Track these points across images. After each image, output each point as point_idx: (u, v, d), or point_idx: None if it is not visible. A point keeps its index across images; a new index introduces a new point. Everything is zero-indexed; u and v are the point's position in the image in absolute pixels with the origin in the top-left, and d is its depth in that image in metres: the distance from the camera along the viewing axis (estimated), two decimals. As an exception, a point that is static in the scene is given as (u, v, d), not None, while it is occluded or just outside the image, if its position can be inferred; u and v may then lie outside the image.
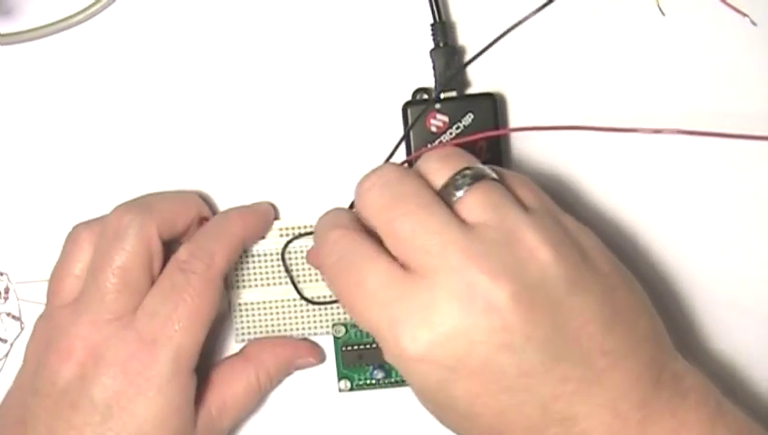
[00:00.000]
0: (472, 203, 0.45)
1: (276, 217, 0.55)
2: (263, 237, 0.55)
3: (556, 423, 0.44)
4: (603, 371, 0.44)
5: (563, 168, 0.55)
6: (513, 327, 0.43)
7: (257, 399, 0.55)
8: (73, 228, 0.53)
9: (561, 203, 0.48)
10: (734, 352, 0.55)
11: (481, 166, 0.47)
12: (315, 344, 0.56)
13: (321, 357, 0.56)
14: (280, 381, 0.56)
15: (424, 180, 0.47)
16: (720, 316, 0.55)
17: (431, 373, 0.44)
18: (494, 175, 0.47)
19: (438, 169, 0.47)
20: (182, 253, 0.51)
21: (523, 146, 0.55)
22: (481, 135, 0.51)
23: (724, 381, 0.51)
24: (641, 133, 0.49)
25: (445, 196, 0.46)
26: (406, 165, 0.51)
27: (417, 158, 0.51)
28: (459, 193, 0.46)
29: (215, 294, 0.51)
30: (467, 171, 0.46)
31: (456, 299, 0.43)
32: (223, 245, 0.52)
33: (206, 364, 0.54)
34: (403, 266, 0.45)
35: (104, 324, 0.50)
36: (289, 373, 0.56)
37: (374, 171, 0.47)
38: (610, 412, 0.44)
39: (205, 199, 0.55)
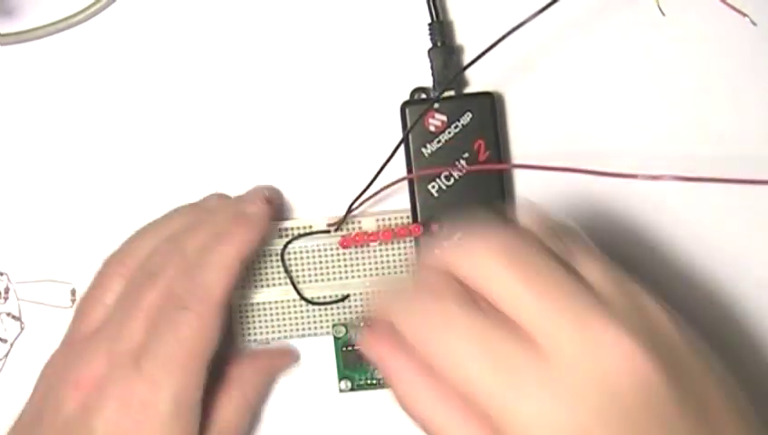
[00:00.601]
0: (588, 266, 0.43)
1: (273, 214, 0.54)
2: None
3: None
4: (725, 431, 0.41)
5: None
6: (654, 387, 0.40)
7: (250, 417, 0.54)
8: (107, 259, 0.53)
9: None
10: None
11: (573, 227, 0.45)
12: (287, 346, 0.56)
13: (296, 356, 0.56)
14: (268, 394, 0.56)
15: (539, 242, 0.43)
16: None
17: None
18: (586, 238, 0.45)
19: (535, 220, 0.44)
20: (177, 287, 0.50)
21: (524, 144, 0.55)
22: (477, 167, 0.52)
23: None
24: (640, 179, 0.49)
25: (551, 244, 0.43)
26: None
27: (421, 177, 0.52)
28: (565, 254, 0.43)
29: (214, 329, 0.50)
30: (561, 229, 0.44)
31: (601, 358, 0.40)
32: (218, 274, 0.50)
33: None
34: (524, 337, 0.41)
35: (116, 357, 0.49)
36: (272, 382, 0.56)
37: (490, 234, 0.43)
38: None
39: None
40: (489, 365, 0.40)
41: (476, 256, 0.42)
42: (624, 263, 0.54)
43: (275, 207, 0.54)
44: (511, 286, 0.41)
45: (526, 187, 0.54)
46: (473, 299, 0.42)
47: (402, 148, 0.53)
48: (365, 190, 0.53)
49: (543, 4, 0.49)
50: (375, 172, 0.52)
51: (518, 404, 0.40)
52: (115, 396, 0.49)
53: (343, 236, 0.54)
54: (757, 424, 0.43)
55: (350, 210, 0.53)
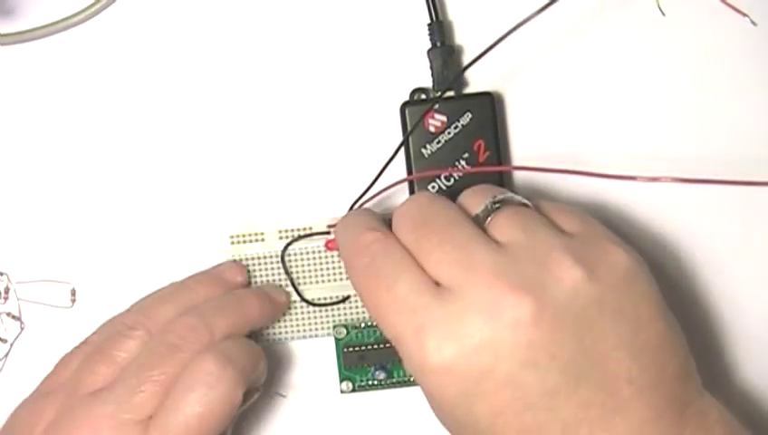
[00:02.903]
0: (502, 222, 0.46)
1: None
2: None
3: None
4: (627, 400, 0.43)
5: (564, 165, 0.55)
6: (538, 344, 0.43)
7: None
8: (126, 317, 0.52)
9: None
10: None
11: (513, 195, 0.48)
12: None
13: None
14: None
15: (454, 204, 0.48)
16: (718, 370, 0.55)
17: (453, 386, 0.44)
18: (528, 202, 0.47)
19: (474, 197, 0.48)
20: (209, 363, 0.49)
21: (524, 144, 0.55)
22: (477, 169, 0.52)
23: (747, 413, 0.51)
24: (639, 181, 0.49)
25: (478, 221, 0.47)
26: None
27: (421, 178, 0.52)
28: (491, 217, 0.46)
29: (232, 408, 0.49)
30: (501, 196, 0.47)
31: (484, 313, 0.43)
32: (246, 357, 0.50)
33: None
34: (432, 280, 0.45)
35: (122, 424, 0.48)
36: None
37: (409, 198, 0.49)
38: None
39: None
40: (399, 299, 0.45)
41: (398, 215, 0.48)
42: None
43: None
44: (419, 240, 0.46)
45: (526, 187, 0.54)
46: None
47: (402, 148, 0.53)
48: (366, 192, 0.53)
49: (543, 5, 0.49)
50: (375, 173, 0.52)
51: (419, 341, 0.44)
52: None
53: (328, 240, 0.55)
54: (683, 401, 0.45)
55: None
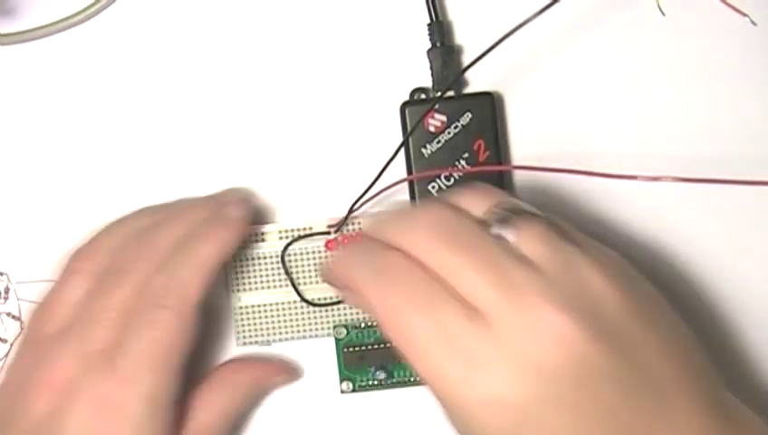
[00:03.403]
0: (526, 237, 0.44)
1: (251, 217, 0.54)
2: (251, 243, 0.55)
3: None
4: (673, 401, 0.43)
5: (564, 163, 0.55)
6: (590, 363, 0.42)
7: (234, 422, 0.54)
8: (74, 254, 0.53)
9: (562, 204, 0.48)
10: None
11: (521, 202, 0.46)
12: (286, 362, 0.55)
13: (295, 373, 0.55)
14: (257, 404, 0.55)
15: (470, 215, 0.45)
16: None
17: (505, 418, 0.42)
18: (536, 211, 0.46)
19: (475, 202, 0.45)
20: (154, 284, 0.49)
21: (524, 144, 0.55)
22: (478, 169, 0.52)
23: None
24: (640, 180, 0.49)
25: (495, 222, 0.45)
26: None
27: (421, 179, 0.52)
28: (503, 227, 0.44)
29: (190, 328, 0.50)
30: (506, 204, 0.45)
31: (534, 337, 0.42)
32: (196, 272, 0.50)
33: (205, 371, 0.54)
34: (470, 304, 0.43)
35: (87, 357, 0.49)
36: (265, 394, 0.55)
37: (420, 207, 0.46)
38: None
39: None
40: (436, 331, 0.43)
41: (412, 229, 0.45)
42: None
43: (251, 209, 0.54)
44: (446, 259, 0.43)
45: (526, 187, 0.54)
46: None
47: (402, 148, 0.53)
48: (366, 192, 0.53)
49: (543, 6, 0.49)
50: (375, 173, 0.52)
51: (464, 375, 0.42)
52: (87, 397, 0.48)
53: (328, 239, 0.54)
54: (717, 398, 0.44)
55: (350, 212, 0.53)
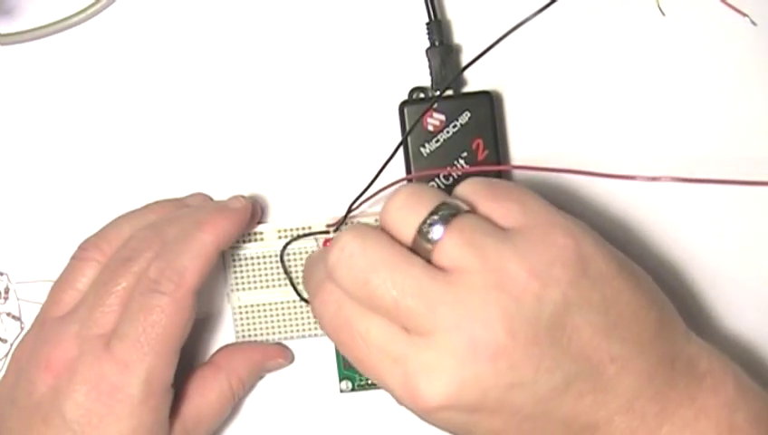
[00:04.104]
0: (447, 249, 0.45)
1: (256, 213, 0.55)
2: (249, 238, 0.55)
3: (579, 434, 0.45)
4: (614, 377, 0.44)
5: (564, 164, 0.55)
6: (519, 365, 0.43)
7: (231, 406, 0.55)
8: (83, 244, 0.53)
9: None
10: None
11: (448, 201, 0.46)
12: (284, 346, 0.56)
13: (290, 357, 0.56)
14: (252, 387, 0.56)
15: (388, 236, 0.46)
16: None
17: (452, 418, 0.45)
18: (464, 207, 0.46)
19: (403, 220, 0.46)
20: (152, 271, 0.50)
21: (523, 143, 0.55)
22: (477, 168, 0.52)
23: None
24: (639, 180, 0.49)
25: (418, 248, 0.45)
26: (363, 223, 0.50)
27: (420, 178, 0.52)
28: (431, 242, 0.45)
29: (186, 314, 0.50)
30: (434, 216, 0.45)
31: (460, 355, 0.43)
32: (194, 259, 0.50)
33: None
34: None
35: (86, 340, 0.50)
36: (260, 377, 0.56)
37: (336, 244, 0.46)
38: (627, 412, 0.44)
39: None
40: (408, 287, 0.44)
41: (333, 274, 0.46)
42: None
43: (256, 209, 0.55)
44: (367, 294, 0.45)
45: (525, 186, 0.54)
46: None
47: (401, 147, 0.53)
48: (365, 191, 0.52)
49: (542, 5, 0.49)
50: (374, 172, 0.52)
51: (435, 318, 0.44)
52: (85, 379, 0.49)
53: (326, 239, 0.54)
54: (665, 359, 0.45)
55: (349, 211, 0.53)
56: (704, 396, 0.45)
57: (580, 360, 0.44)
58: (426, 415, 0.45)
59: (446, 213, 0.45)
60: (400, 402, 0.45)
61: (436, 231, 0.45)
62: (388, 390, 0.45)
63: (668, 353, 0.45)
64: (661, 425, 0.45)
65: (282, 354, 0.55)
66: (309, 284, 0.49)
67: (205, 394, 0.53)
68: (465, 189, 0.47)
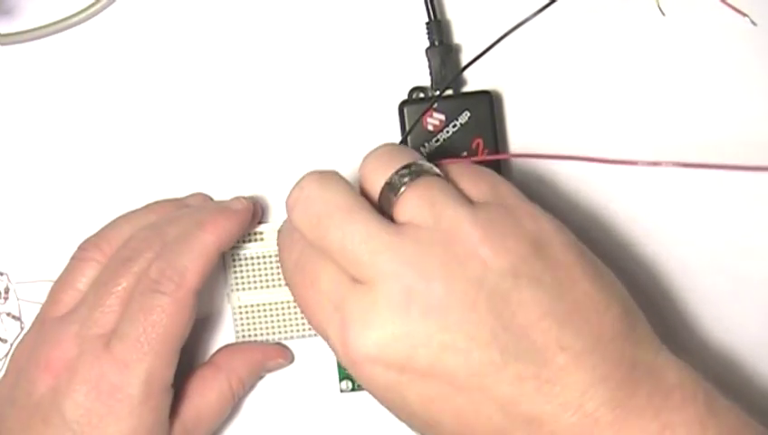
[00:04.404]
0: (406, 202, 0.45)
1: (256, 213, 0.55)
2: (249, 239, 0.55)
3: (522, 426, 0.43)
4: (563, 368, 0.42)
5: (562, 165, 0.55)
6: (453, 327, 0.42)
7: (231, 406, 0.55)
8: (83, 244, 0.53)
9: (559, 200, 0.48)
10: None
11: (421, 162, 0.46)
12: (284, 346, 0.56)
13: (290, 357, 0.56)
14: (252, 387, 0.56)
15: (348, 185, 0.46)
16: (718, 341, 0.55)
17: (380, 377, 0.44)
18: (436, 170, 0.46)
19: (376, 170, 0.46)
20: (153, 271, 0.50)
21: (522, 143, 0.55)
22: (476, 159, 0.52)
23: (723, 377, 0.50)
24: (640, 165, 0.49)
25: (383, 199, 0.46)
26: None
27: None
28: (395, 194, 0.45)
29: (186, 314, 0.50)
30: (404, 170, 0.45)
31: (394, 305, 0.43)
32: (195, 259, 0.51)
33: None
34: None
35: (86, 340, 0.50)
36: (260, 377, 0.56)
37: (297, 184, 0.47)
38: (577, 413, 0.42)
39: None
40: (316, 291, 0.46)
41: (291, 215, 0.47)
42: (626, 251, 0.54)
43: (257, 209, 0.55)
44: (322, 239, 0.46)
45: (525, 183, 0.54)
46: None
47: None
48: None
49: (541, 4, 0.49)
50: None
51: (376, 265, 0.44)
52: (85, 379, 0.49)
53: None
54: (624, 361, 0.43)
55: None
56: (670, 410, 0.43)
57: (523, 339, 0.42)
58: (354, 368, 0.44)
59: (417, 170, 0.45)
60: (336, 356, 0.45)
61: (402, 184, 0.45)
62: (327, 340, 0.45)
63: (629, 357, 0.43)
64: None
65: (282, 354, 0.55)
66: (283, 227, 0.49)
67: (205, 394, 0.53)
68: (444, 166, 0.47)
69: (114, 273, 0.51)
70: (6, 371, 0.53)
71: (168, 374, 0.50)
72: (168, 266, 0.50)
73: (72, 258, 0.53)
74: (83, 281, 0.52)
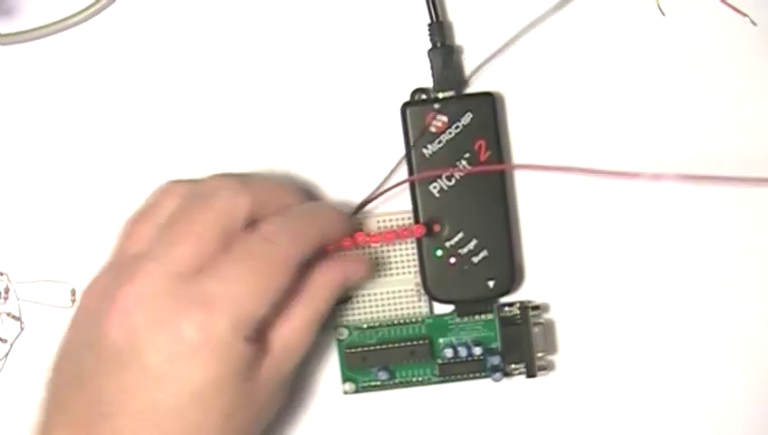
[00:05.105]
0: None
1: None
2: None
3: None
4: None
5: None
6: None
7: (317, 330, 0.51)
8: (165, 182, 0.51)
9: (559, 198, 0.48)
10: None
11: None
12: (359, 255, 0.54)
13: (369, 266, 0.53)
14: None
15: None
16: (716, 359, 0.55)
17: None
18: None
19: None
20: (270, 226, 0.48)
21: (525, 144, 0.55)
22: (480, 169, 0.52)
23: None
24: (642, 178, 0.49)
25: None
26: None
27: (422, 179, 0.53)
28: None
29: (289, 274, 0.48)
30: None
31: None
32: (312, 235, 0.49)
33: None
34: None
35: (166, 278, 0.47)
36: (343, 292, 0.53)
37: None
38: None
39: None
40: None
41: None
42: (627, 263, 0.54)
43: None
44: None
45: (527, 186, 0.54)
46: None
47: (403, 148, 0.53)
48: (369, 198, 0.54)
49: (541, 3, 0.49)
50: (375, 173, 0.53)
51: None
52: (167, 320, 0.46)
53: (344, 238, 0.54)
54: None
55: (355, 214, 0.54)
56: None
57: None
58: None
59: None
60: None
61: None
62: None
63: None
64: None
65: (360, 262, 0.53)
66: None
67: (291, 322, 0.50)
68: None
69: (193, 207, 0.49)
70: (79, 310, 0.50)
71: (256, 325, 0.48)
72: (288, 226, 0.49)
73: (152, 192, 0.51)
74: (162, 214, 0.50)
